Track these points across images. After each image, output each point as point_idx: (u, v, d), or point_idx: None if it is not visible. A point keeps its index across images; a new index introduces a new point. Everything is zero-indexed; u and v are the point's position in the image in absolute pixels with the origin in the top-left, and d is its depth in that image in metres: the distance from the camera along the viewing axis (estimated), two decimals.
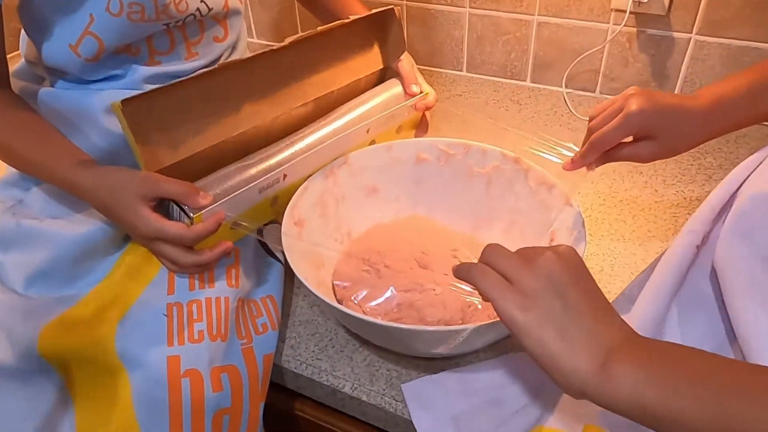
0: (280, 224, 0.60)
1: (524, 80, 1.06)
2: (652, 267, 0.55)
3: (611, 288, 0.65)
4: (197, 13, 0.63)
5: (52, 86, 0.65)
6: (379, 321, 0.47)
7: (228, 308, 0.57)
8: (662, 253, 0.53)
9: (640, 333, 0.40)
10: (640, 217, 0.75)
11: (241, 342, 0.58)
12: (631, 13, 0.89)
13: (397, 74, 0.75)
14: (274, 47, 0.61)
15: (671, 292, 0.50)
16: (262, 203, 0.62)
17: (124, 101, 0.52)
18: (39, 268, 0.58)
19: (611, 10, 0.92)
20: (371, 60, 0.74)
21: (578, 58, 0.97)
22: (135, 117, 0.53)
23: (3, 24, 0.60)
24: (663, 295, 0.50)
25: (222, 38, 0.69)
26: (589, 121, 0.58)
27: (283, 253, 0.63)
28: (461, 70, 1.10)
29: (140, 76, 0.63)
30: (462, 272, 0.43)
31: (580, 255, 0.53)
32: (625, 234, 0.72)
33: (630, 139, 0.58)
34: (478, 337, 0.51)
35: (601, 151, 0.57)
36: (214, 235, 0.57)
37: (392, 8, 0.72)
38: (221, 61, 0.70)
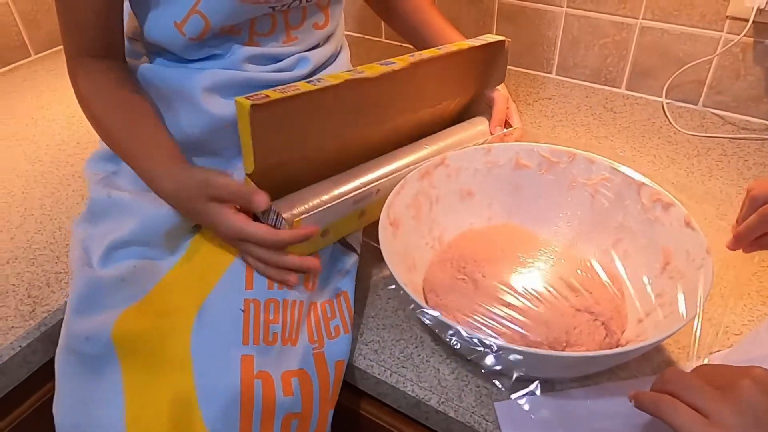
0: None
1: (619, 87, 1.00)
2: None
3: (722, 320, 0.59)
4: None
5: (150, 63, 0.65)
6: (485, 338, 0.44)
7: (301, 313, 0.56)
8: None
9: None
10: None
11: (312, 346, 0.56)
12: (753, 22, 0.82)
13: (489, 105, 0.74)
14: (396, 67, 0.61)
15: None
16: (352, 215, 0.61)
17: (254, 106, 0.51)
18: (123, 239, 0.58)
19: (726, 17, 0.86)
20: (469, 84, 0.75)
21: (683, 68, 0.91)
22: (258, 118, 0.52)
23: None
24: None
25: (322, 25, 0.67)
26: (749, 192, 0.53)
27: (359, 248, 0.62)
28: (551, 73, 1.05)
29: (240, 57, 0.62)
30: (648, 405, 0.40)
31: (709, 285, 0.48)
32: (737, 263, 0.66)
33: None
34: (582, 366, 0.47)
35: None
36: (304, 245, 0.55)
37: (505, 40, 0.73)
38: (318, 48, 0.68)
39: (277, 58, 0.65)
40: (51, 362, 0.63)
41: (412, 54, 0.65)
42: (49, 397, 0.66)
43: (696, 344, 0.50)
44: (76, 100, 0.64)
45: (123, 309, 0.55)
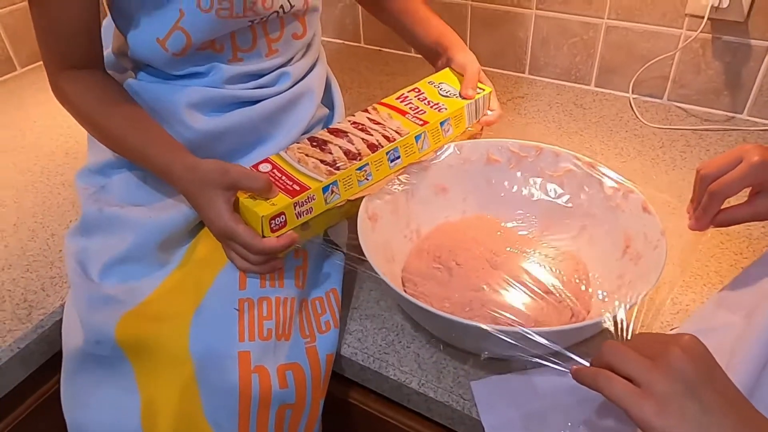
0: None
1: (588, 84, 1.04)
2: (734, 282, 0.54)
3: (683, 299, 0.64)
4: (281, 10, 0.64)
5: (135, 77, 0.67)
6: (462, 320, 0.47)
7: (293, 309, 0.59)
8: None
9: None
10: (711, 229, 0.73)
11: (305, 341, 0.59)
12: (708, 19, 0.86)
13: (459, 71, 0.74)
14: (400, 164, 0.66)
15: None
16: (333, 209, 0.62)
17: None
18: (119, 255, 0.61)
19: (685, 15, 0.90)
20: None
21: (647, 64, 0.96)
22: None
23: (99, 8, 0.61)
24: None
25: (300, 35, 0.70)
26: (699, 172, 0.56)
27: (344, 248, 0.65)
28: (523, 72, 1.10)
29: (222, 76, 0.64)
30: (585, 379, 0.42)
31: (661, 264, 0.52)
32: (696, 245, 0.70)
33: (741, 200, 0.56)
34: (549, 341, 0.51)
35: (722, 200, 0.55)
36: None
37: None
38: (298, 62, 0.71)
39: (259, 75, 0.67)
40: (48, 363, 0.66)
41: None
42: (48, 396, 0.69)
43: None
44: (64, 111, 0.65)
45: (122, 314, 0.58)
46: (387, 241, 0.63)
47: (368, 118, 0.68)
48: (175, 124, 0.64)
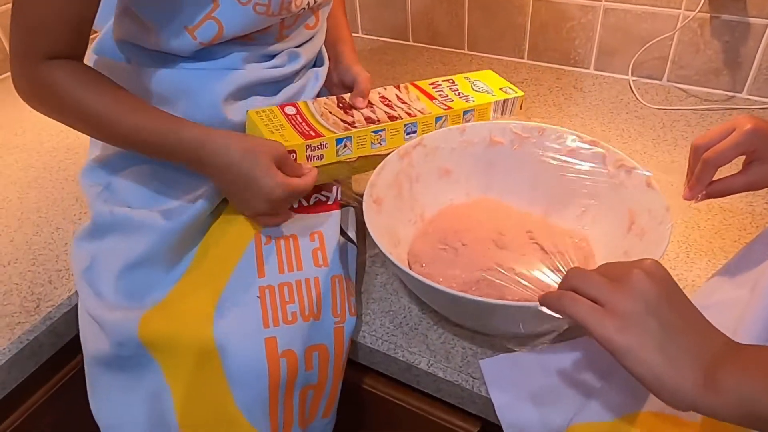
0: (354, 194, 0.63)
1: (588, 68, 1.04)
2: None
3: (687, 275, 0.64)
4: (306, 6, 0.64)
5: (140, 66, 0.65)
6: (471, 296, 0.47)
7: (318, 287, 0.58)
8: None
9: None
10: (714, 206, 0.73)
11: (335, 320, 0.59)
12: None
13: (354, 78, 0.72)
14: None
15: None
16: (343, 164, 0.65)
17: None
18: (135, 260, 0.59)
19: None
20: None
21: (646, 45, 0.96)
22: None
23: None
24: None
25: (312, 26, 0.70)
26: (694, 144, 0.57)
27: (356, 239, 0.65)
28: (522, 58, 1.10)
29: (242, 56, 0.65)
30: (551, 302, 0.43)
31: (666, 238, 0.52)
32: (700, 222, 0.71)
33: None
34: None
35: (715, 169, 0.55)
36: None
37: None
38: (307, 43, 0.71)
39: (269, 56, 0.68)
40: (57, 355, 0.67)
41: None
42: (58, 388, 0.69)
43: None
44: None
45: (143, 313, 0.57)
46: (392, 225, 0.64)
47: (396, 95, 0.72)
48: (204, 112, 0.62)
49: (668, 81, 0.99)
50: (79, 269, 0.62)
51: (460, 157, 0.69)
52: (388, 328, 0.62)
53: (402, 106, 0.70)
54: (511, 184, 0.69)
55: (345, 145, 0.63)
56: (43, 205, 0.81)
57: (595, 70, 1.04)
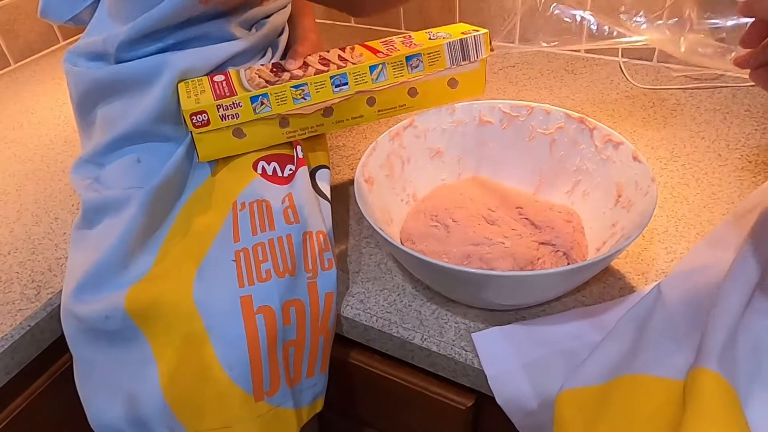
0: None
1: (578, 50, 1.05)
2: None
3: (677, 248, 0.65)
4: None
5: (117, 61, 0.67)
6: (461, 268, 0.49)
7: (291, 244, 0.59)
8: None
9: None
10: (703, 181, 0.74)
11: (307, 275, 0.60)
12: None
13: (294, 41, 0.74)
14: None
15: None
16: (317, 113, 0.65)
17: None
18: (122, 235, 0.60)
19: None
20: None
21: None
22: None
23: None
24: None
25: None
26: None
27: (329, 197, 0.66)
28: (513, 42, 1.10)
29: (230, 23, 0.67)
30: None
31: (651, 211, 0.53)
32: (689, 196, 0.72)
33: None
34: (549, 285, 0.52)
35: None
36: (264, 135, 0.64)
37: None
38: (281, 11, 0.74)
39: (250, 22, 0.70)
40: (59, 340, 0.68)
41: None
42: (61, 372, 0.70)
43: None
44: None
45: (129, 286, 0.59)
46: (384, 205, 0.65)
47: (339, 55, 0.68)
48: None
49: (658, 62, 1.00)
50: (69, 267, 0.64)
51: (450, 137, 0.70)
52: (383, 305, 0.63)
53: (340, 63, 0.65)
54: (501, 163, 0.70)
55: (261, 102, 0.62)
56: (41, 196, 0.82)
57: (586, 53, 1.05)
